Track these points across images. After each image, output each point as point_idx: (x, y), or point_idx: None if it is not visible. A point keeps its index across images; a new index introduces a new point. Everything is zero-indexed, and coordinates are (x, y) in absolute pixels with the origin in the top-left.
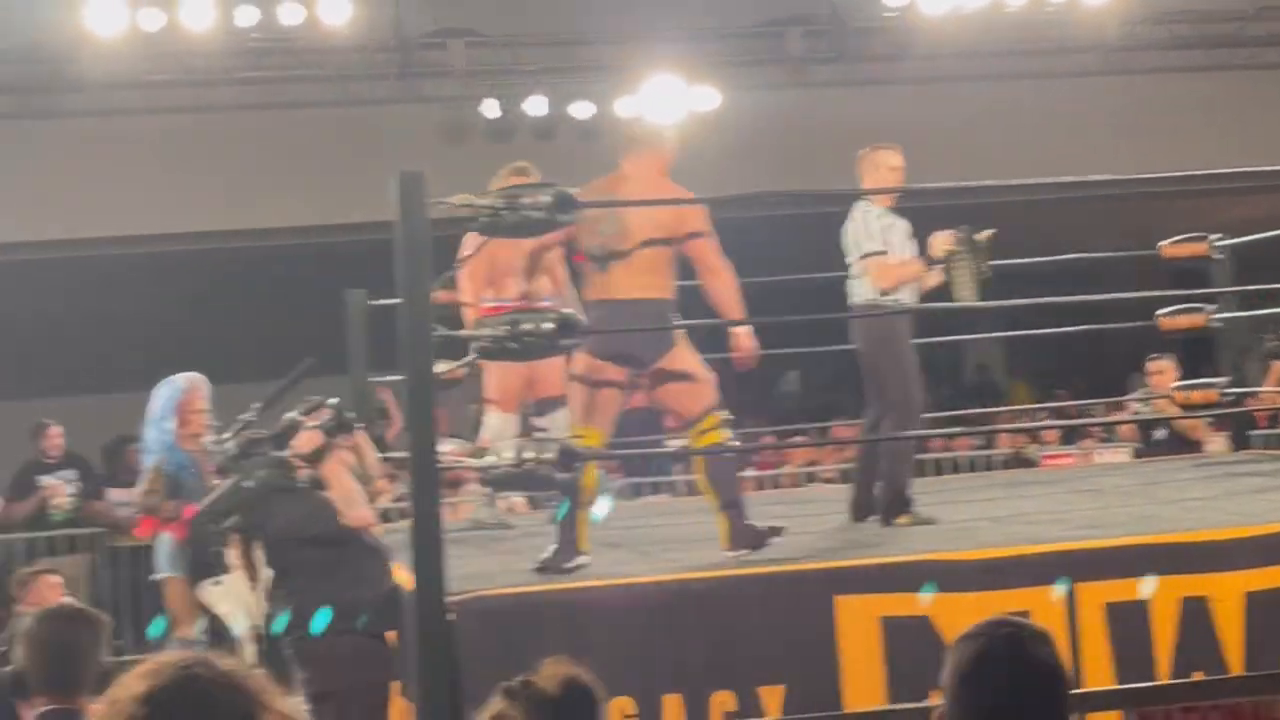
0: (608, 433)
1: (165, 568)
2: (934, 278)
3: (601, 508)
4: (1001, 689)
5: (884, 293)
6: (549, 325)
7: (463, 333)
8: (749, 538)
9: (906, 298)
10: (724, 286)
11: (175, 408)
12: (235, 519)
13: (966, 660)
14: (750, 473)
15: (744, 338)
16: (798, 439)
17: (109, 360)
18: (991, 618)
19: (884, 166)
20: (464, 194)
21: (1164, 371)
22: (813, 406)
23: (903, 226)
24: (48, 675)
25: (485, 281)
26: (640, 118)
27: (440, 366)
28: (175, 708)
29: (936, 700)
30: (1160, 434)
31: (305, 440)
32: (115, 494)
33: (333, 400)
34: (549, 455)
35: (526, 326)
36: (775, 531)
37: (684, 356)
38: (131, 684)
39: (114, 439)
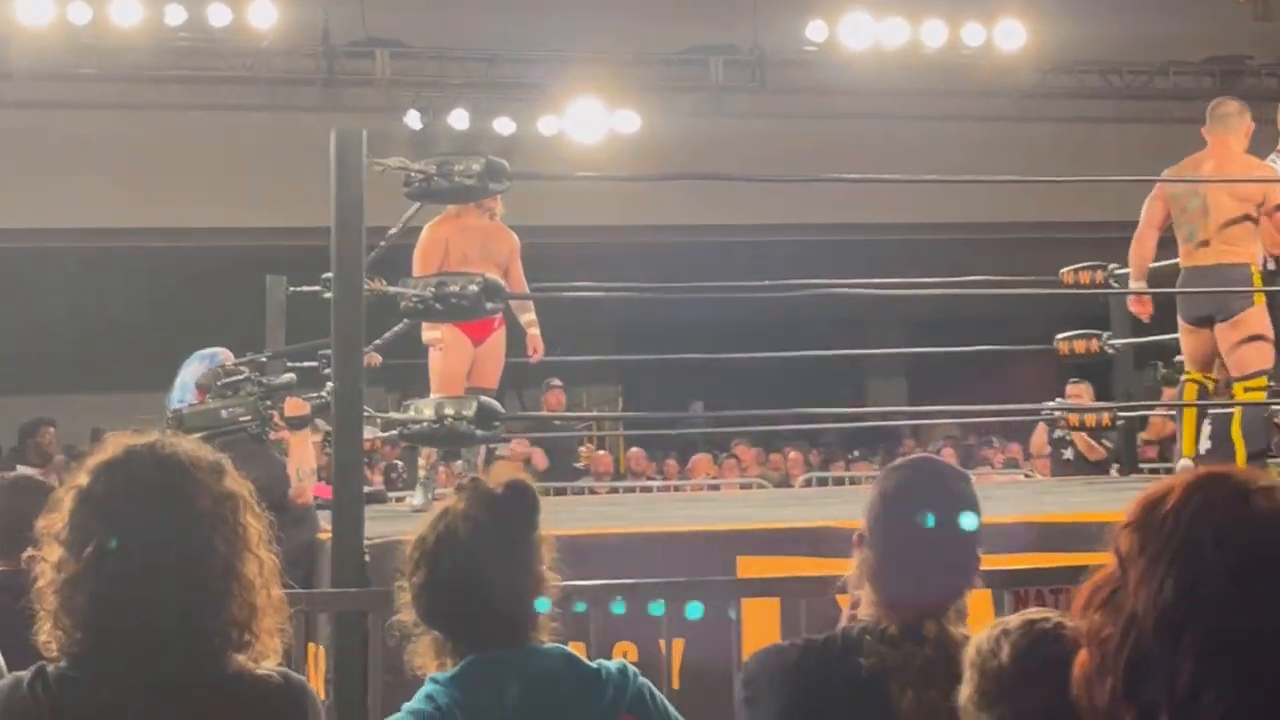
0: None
1: None
2: None
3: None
4: (922, 516)
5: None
6: (474, 288)
7: (390, 288)
8: None
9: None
10: None
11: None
12: (198, 437)
13: (892, 487)
14: (657, 482)
15: None
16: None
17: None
18: (921, 455)
19: None
20: (399, 158)
21: (1081, 396)
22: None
23: None
24: (3, 540)
25: (438, 271)
26: (1227, 99)
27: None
28: (113, 478)
29: None
30: (1067, 454)
31: (293, 406)
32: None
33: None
34: (468, 413)
35: (453, 289)
36: None
37: (1257, 318)
38: (89, 459)
39: (31, 420)
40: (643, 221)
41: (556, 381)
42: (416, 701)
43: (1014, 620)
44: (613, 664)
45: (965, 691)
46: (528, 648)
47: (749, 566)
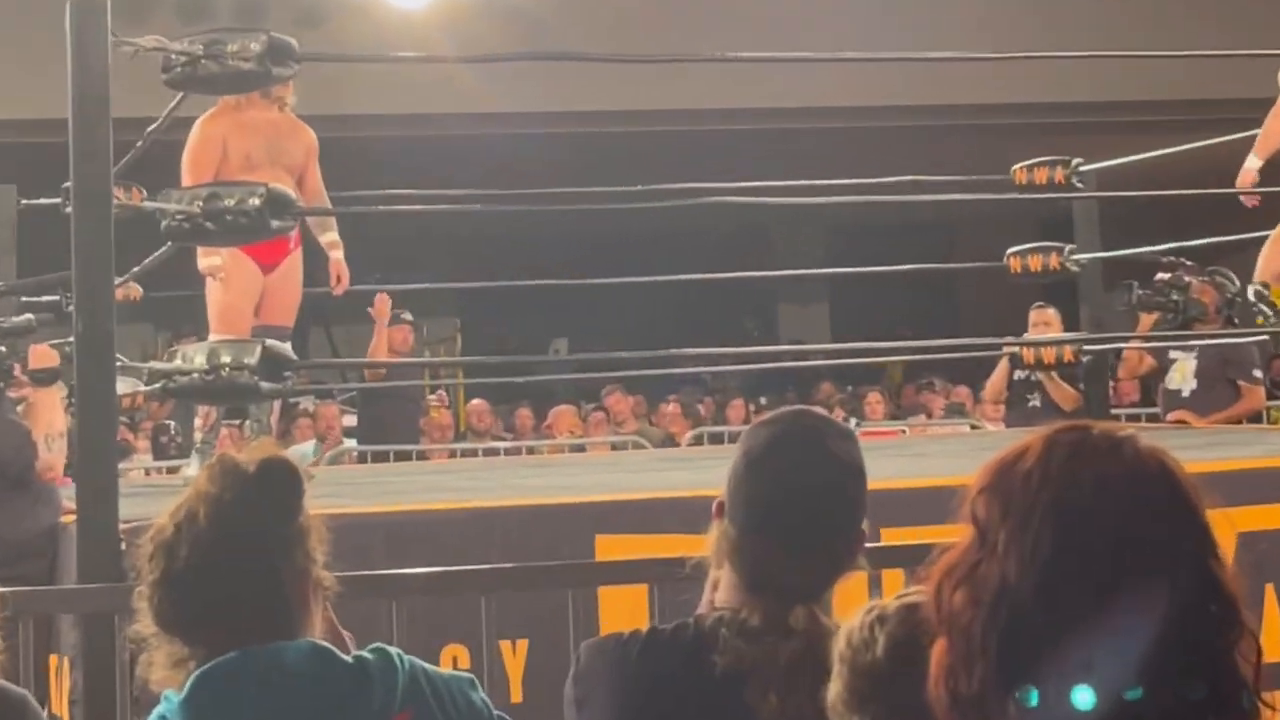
0: None
1: None
2: None
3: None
4: (794, 480)
5: None
6: (256, 201)
7: (149, 204)
8: None
9: None
10: None
11: None
12: None
13: (760, 445)
14: (505, 443)
15: None
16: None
17: None
18: (795, 408)
19: None
20: (155, 36)
21: (1051, 324)
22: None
23: None
24: None
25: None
26: None
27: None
28: None
29: None
30: (1034, 400)
31: (40, 355)
32: None
33: None
34: (250, 360)
35: (228, 202)
36: None
37: None
38: None
39: None
40: (481, 109)
41: (406, 315)
42: None
43: (891, 605)
44: (370, 652)
45: (834, 689)
46: (274, 647)
47: (611, 547)
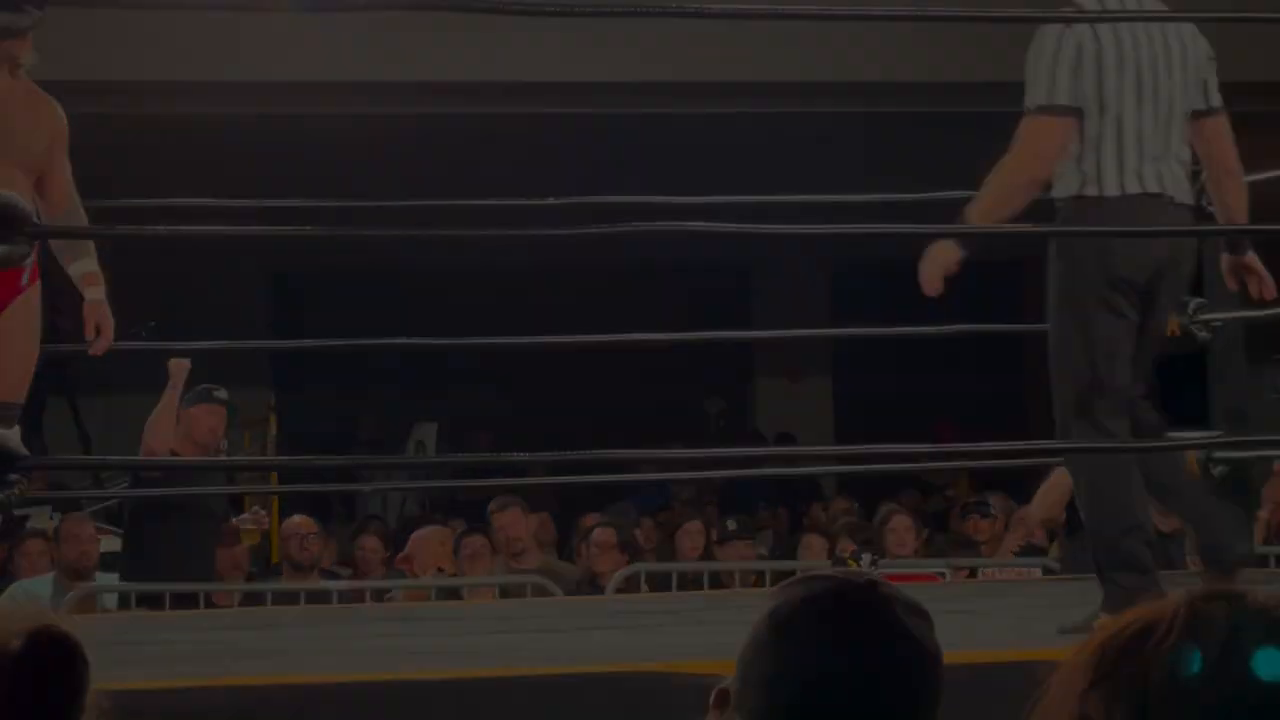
0: None
1: None
2: None
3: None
4: (850, 657)
5: None
6: None
7: None
8: None
9: None
10: None
11: None
12: None
13: (794, 605)
14: (340, 583)
15: None
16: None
17: None
18: (842, 571)
19: None
20: None
21: None
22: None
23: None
24: None
25: None
26: None
27: None
28: None
29: None
30: None
31: None
32: None
33: None
34: None
35: None
36: None
37: None
38: None
39: None
40: (334, 76)
41: (220, 393)
42: None
43: None
44: None
45: None
46: None
47: None
